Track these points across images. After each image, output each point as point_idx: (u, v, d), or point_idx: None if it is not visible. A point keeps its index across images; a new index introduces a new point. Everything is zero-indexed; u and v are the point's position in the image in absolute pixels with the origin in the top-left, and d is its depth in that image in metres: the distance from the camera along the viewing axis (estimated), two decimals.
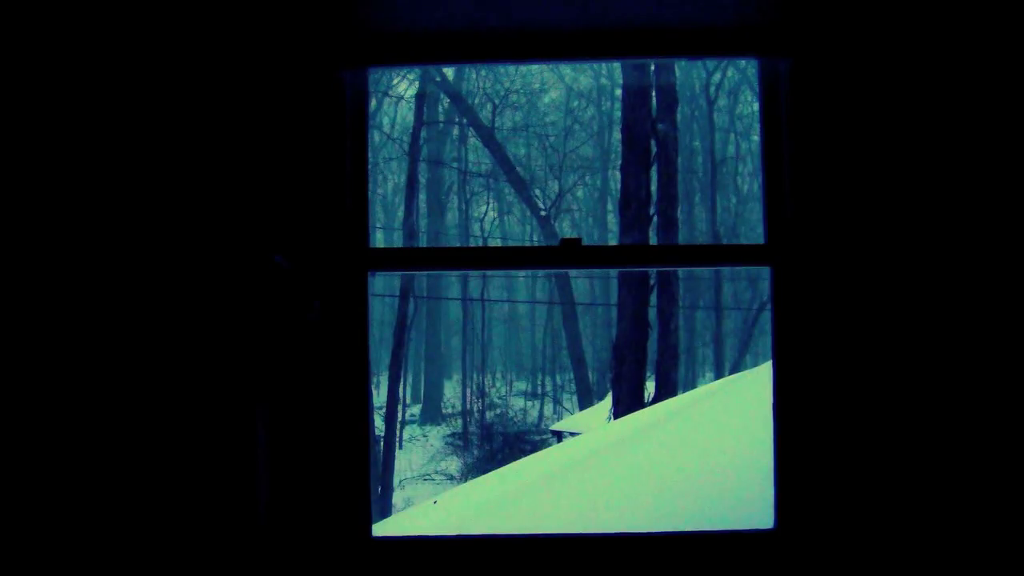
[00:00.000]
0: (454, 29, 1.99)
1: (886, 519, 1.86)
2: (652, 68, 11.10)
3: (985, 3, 1.88)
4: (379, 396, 17.15)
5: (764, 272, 2.73)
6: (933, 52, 1.88)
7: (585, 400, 19.32)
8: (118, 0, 1.86)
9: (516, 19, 1.96)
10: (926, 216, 1.88)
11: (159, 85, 1.86)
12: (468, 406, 22.29)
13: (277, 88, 1.91)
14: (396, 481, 16.63)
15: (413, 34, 2.00)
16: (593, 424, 12.37)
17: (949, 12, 1.88)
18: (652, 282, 10.95)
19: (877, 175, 1.88)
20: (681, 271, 13.27)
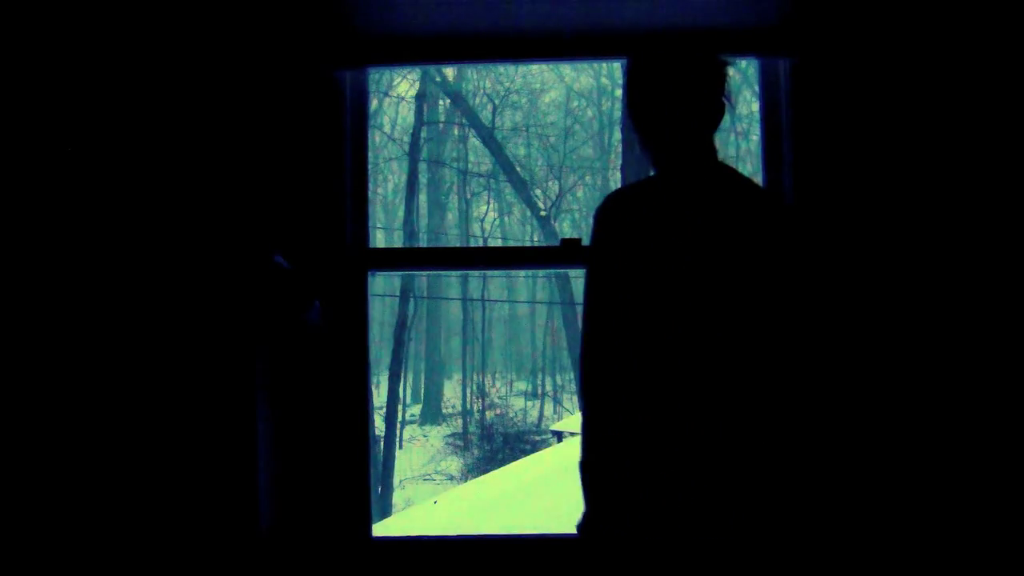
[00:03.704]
0: (453, 29, 1.99)
1: (886, 519, 1.86)
2: None
3: (984, 4, 1.88)
4: (379, 396, 17.13)
5: None
6: (934, 52, 1.89)
7: None
8: (118, 2, 1.86)
9: (516, 19, 1.96)
10: (926, 216, 1.88)
11: (159, 87, 1.87)
12: (468, 406, 22.27)
13: (277, 88, 1.91)
14: (396, 481, 16.61)
15: (412, 34, 2.00)
16: None
17: (949, 12, 1.88)
18: None
19: (877, 175, 1.88)
20: None
